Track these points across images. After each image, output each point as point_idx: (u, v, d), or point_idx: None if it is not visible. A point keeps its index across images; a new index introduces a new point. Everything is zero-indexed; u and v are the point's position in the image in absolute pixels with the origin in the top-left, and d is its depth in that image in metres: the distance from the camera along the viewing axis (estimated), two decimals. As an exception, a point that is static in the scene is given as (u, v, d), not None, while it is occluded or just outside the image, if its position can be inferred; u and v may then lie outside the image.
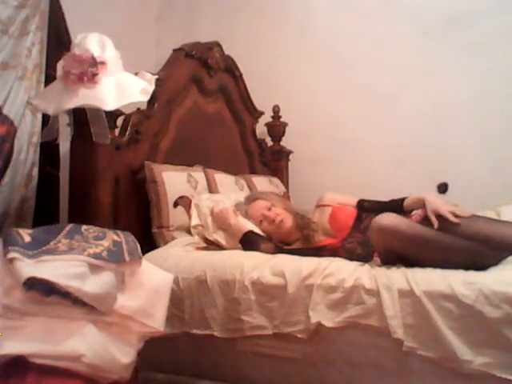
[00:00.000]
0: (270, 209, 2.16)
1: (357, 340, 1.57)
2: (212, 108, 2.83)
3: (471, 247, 1.63)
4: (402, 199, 2.01)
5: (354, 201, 2.17)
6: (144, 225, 2.14)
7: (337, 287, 1.59)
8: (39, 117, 1.91)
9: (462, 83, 3.00)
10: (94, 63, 1.62)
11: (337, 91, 3.28)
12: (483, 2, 2.96)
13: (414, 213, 1.92)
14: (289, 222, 2.14)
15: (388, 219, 1.67)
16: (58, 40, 1.98)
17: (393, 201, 2.06)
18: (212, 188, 2.47)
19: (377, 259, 1.78)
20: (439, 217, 1.80)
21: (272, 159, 3.32)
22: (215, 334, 1.71)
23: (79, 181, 1.87)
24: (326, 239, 2.07)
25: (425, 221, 1.84)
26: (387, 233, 1.65)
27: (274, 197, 2.31)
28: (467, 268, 1.56)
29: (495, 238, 1.70)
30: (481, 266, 1.59)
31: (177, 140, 2.51)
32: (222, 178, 2.60)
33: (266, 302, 1.67)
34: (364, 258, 1.80)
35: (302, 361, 1.64)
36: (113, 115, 1.89)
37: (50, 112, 1.69)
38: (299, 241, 2.12)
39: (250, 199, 2.26)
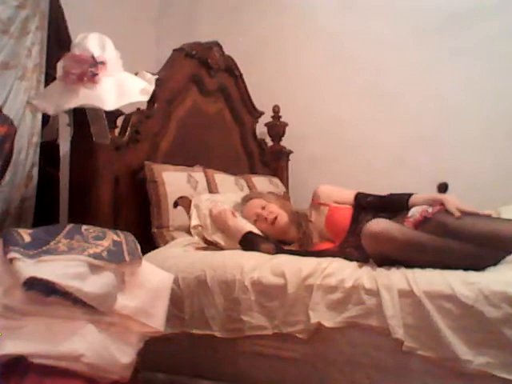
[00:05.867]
0: (263, 207, 2.15)
1: (357, 340, 1.57)
2: (212, 108, 2.83)
3: (467, 250, 1.62)
4: (408, 195, 1.99)
5: (351, 195, 2.12)
6: (144, 225, 2.14)
7: (337, 287, 1.58)
8: (39, 117, 1.92)
9: (463, 82, 3.00)
10: (94, 63, 1.62)
11: (337, 91, 3.28)
12: (483, 2, 2.96)
13: (410, 215, 1.90)
14: (283, 219, 2.13)
15: (379, 226, 1.65)
16: (58, 40, 1.98)
17: (393, 195, 2.04)
18: (212, 188, 2.47)
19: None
20: (428, 220, 1.80)
21: (272, 159, 3.32)
22: (215, 334, 1.71)
23: (79, 181, 1.87)
24: (323, 243, 2.06)
25: (424, 224, 1.83)
26: (379, 240, 1.64)
27: (269, 195, 2.30)
28: (466, 269, 1.56)
29: (494, 237, 1.69)
30: (478, 267, 1.58)
31: (177, 140, 2.51)
32: (222, 179, 2.60)
33: (266, 302, 1.66)
34: (361, 262, 1.78)
35: (302, 361, 1.64)
36: (113, 115, 1.89)
37: (50, 112, 1.69)
38: (297, 242, 2.11)
39: (245, 199, 2.27)
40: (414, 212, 1.88)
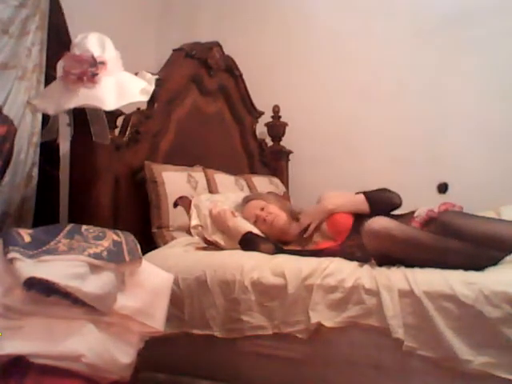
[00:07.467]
0: (262, 209, 2.16)
1: (357, 340, 1.57)
2: (212, 108, 2.83)
3: (466, 249, 1.62)
4: None
5: (358, 197, 2.08)
6: (144, 225, 2.14)
7: (337, 287, 1.58)
8: (39, 117, 1.91)
9: (463, 83, 3.00)
10: (94, 63, 1.62)
11: (337, 91, 3.27)
12: (483, 2, 2.96)
13: (416, 215, 1.91)
14: (282, 220, 2.13)
15: (379, 223, 1.66)
16: (58, 40, 1.98)
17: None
18: (212, 188, 2.47)
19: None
20: (434, 220, 1.80)
21: (272, 159, 3.32)
22: (215, 334, 1.71)
23: (79, 181, 1.87)
24: (324, 242, 2.05)
25: (429, 224, 1.84)
26: (379, 237, 1.64)
27: (268, 196, 2.30)
28: (465, 269, 1.56)
29: (493, 238, 1.69)
30: (478, 266, 1.58)
31: (177, 140, 2.51)
32: (222, 178, 2.60)
33: (266, 302, 1.66)
34: (363, 260, 1.79)
35: (302, 361, 1.64)
36: (113, 115, 1.89)
37: (50, 112, 1.69)
38: (296, 241, 2.11)
39: (245, 201, 2.27)
40: (420, 212, 1.90)
